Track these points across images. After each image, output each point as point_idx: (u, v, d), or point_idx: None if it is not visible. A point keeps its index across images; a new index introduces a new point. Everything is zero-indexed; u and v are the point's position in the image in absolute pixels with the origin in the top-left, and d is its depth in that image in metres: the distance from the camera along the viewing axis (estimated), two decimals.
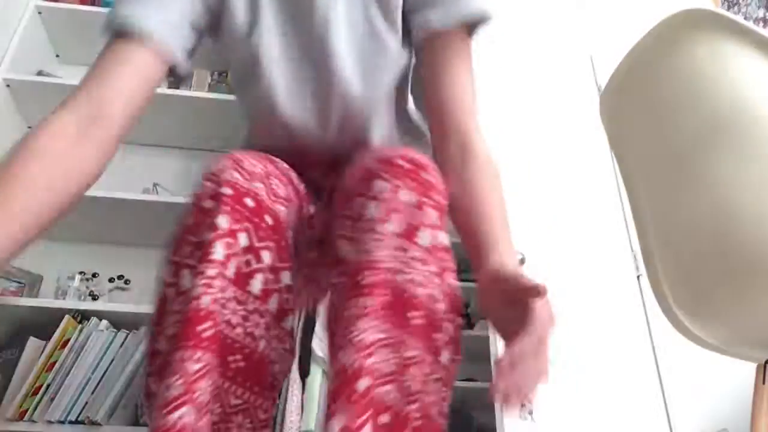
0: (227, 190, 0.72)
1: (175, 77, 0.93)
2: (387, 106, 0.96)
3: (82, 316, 1.75)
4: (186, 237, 0.74)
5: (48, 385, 1.61)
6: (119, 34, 0.86)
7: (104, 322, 1.74)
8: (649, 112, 1.17)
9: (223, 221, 0.70)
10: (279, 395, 1.13)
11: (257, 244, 0.73)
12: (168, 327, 0.69)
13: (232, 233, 0.70)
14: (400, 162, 0.72)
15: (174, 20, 0.86)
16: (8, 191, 0.72)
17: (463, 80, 0.96)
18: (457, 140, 0.89)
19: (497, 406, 1.59)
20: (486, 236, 0.81)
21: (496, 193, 0.87)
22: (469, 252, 0.83)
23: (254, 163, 0.77)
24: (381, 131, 0.97)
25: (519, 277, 0.71)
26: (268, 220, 0.74)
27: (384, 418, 0.61)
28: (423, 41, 0.93)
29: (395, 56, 0.94)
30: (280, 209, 0.77)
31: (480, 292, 0.75)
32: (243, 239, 0.71)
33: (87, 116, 0.84)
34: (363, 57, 0.92)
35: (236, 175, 0.74)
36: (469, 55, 0.98)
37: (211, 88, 2.32)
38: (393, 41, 0.93)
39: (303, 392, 1.67)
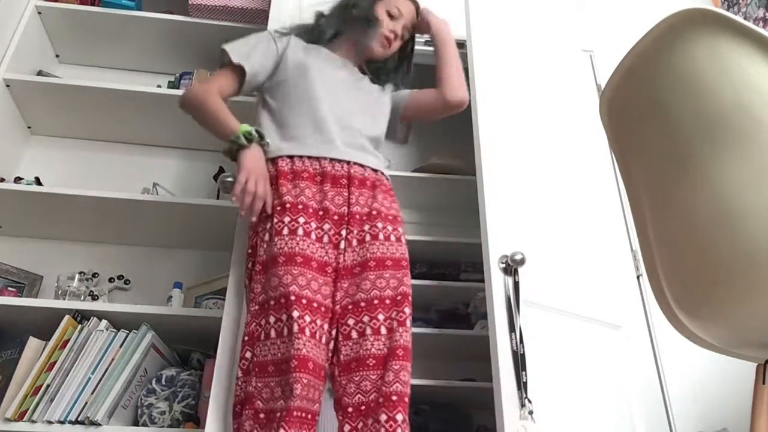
0: None
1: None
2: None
3: (82, 316, 1.75)
4: None
5: (48, 385, 1.62)
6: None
7: (104, 322, 1.74)
8: (649, 111, 1.17)
9: None
10: None
11: None
12: None
13: None
14: None
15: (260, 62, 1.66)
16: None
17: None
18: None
19: (497, 406, 1.59)
20: None
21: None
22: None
23: None
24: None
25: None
26: None
27: None
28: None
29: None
30: None
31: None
32: None
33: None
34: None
35: None
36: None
37: None
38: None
39: None
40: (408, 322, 1.37)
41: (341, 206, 1.46)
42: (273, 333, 1.29)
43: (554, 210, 2.07)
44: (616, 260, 2.16)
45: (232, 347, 1.46)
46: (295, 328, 1.26)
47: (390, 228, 1.48)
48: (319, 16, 1.82)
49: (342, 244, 1.42)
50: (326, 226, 1.42)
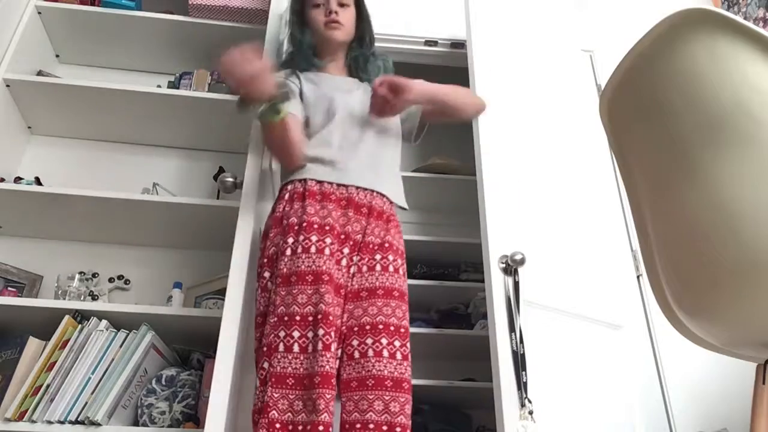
0: None
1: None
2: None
3: (82, 316, 1.75)
4: None
5: (48, 385, 1.61)
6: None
7: (104, 322, 1.74)
8: (649, 111, 1.17)
9: None
10: None
11: None
12: None
13: None
14: None
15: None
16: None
17: None
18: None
19: (497, 406, 1.59)
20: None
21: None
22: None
23: None
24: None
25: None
26: None
27: None
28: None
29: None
30: None
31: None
32: None
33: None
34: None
35: None
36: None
37: (211, 88, 2.31)
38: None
39: None
40: (410, 357, 1.41)
41: (358, 233, 1.51)
42: (296, 347, 1.33)
43: (554, 210, 2.08)
44: (616, 260, 2.17)
45: (232, 347, 1.46)
46: (320, 345, 1.31)
47: (399, 262, 1.52)
48: (289, 52, 1.84)
49: (353, 269, 1.48)
50: (345, 250, 1.47)
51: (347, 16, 1.76)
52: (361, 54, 1.80)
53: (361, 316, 1.41)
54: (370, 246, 1.50)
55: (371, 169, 1.59)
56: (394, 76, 1.57)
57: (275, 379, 1.31)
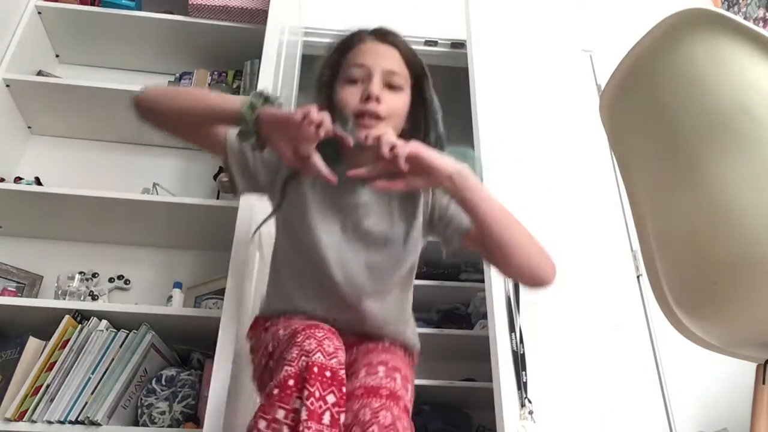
0: (314, 368, 0.95)
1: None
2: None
3: (82, 316, 1.75)
4: (281, 403, 0.94)
5: (48, 385, 1.61)
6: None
7: (104, 322, 1.74)
8: (649, 111, 1.17)
9: (315, 391, 0.94)
10: None
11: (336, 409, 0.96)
12: None
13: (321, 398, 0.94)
14: None
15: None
16: None
17: None
18: None
19: (497, 406, 1.59)
20: None
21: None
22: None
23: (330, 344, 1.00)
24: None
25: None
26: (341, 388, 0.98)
27: None
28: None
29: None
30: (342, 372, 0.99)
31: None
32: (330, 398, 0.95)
33: None
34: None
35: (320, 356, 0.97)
36: None
37: (211, 88, 2.31)
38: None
39: None
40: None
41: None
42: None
43: (554, 210, 2.08)
44: (616, 260, 2.17)
45: (232, 347, 1.45)
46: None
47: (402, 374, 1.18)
48: None
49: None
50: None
51: (394, 104, 1.17)
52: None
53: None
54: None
55: (359, 331, 1.24)
56: (420, 146, 1.09)
57: None
